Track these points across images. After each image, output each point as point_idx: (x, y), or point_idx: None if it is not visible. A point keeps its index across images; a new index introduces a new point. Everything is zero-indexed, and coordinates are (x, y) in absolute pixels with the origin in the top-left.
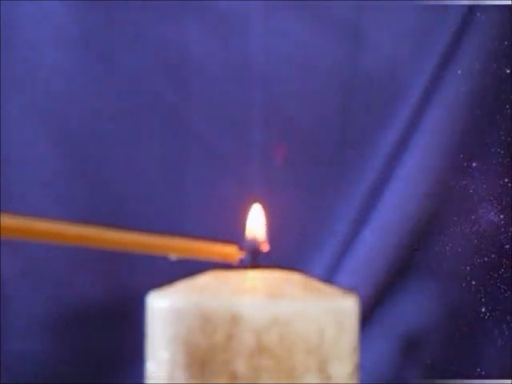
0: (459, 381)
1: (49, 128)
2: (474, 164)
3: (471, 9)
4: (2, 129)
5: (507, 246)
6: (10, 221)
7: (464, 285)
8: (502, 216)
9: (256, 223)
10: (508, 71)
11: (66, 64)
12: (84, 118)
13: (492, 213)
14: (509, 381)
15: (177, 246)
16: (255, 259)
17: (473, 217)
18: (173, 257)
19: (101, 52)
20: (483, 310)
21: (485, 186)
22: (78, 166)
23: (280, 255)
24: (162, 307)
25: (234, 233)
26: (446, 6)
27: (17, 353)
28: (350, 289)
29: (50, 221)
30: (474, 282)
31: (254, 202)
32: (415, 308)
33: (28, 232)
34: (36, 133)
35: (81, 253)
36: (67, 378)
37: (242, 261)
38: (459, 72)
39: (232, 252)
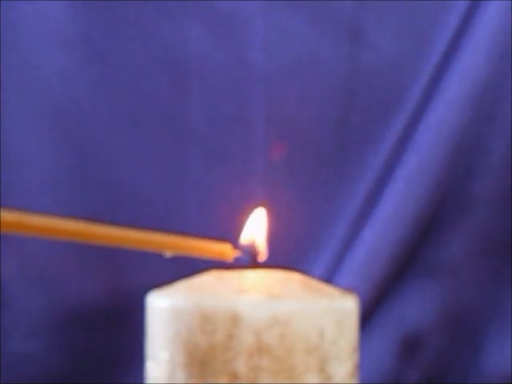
0: (459, 381)
1: (49, 128)
2: (474, 164)
3: (471, 8)
4: (2, 129)
5: (507, 246)
6: (6, 215)
7: (464, 285)
8: (502, 215)
9: (257, 229)
10: (508, 70)
11: (66, 64)
12: (84, 118)
13: (492, 212)
14: (509, 381)
15: (171, 243)
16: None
17: (473, 217)
18: (167, 254)
19: (101, 52)
20: (483, 309)
21: (485, 186)
22: (78, 165)
23: (280, 255)
24: (162, 307)
25: (234, 233)
26: (446, 6)
27: (17, 353)
28: (349, 289)
29: (43, 216)
30: (474, 282)
31: (259, 205)
32: (415, 308)
33: (22, 227)
34: (36, 133)
35: (81, 253)
36: (67, 378)
37: (236, 260)
38: (459, 71)
39: (226, 250)
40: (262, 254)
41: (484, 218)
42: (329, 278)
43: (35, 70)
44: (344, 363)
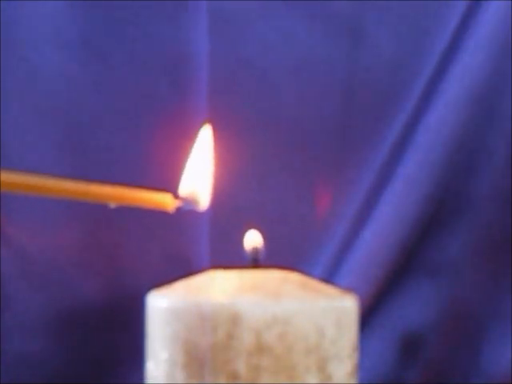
0: (459, 381)
1: (49, 128)
2: (473, 164)
3: (472, 8)
4: (2, 129)
5: (507, 246)
6: None
7: (464, 285)
8: (502, 216)
9: (199, 178)
10: (508, 70)
11: (65, 64)
12: (84, 118)
13: (492, 212)
14: (509, 381)
15: (112, 194)
16: (256, 260)
17: (473, 217)
18: (111, 205)
19: (100, 52)
20: (483, 309)
21: (485, 186)
22: (78, 165)
23: (280, 255)
24: (162, 307)
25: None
26: (446, 6)
27: (17, 353)
28: (349, 289)
29: None
30: (474, 282)
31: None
32: (415, 308)
33: None
34: (36, 133)
35: (81, 253)
36: (67, 378)
37: (178, 209)
38: (459, 71)
39: (167, 200)
40: (203, 203)
41: (484, 218)
42: (329, 278)
43: (35, 69)
44: (344, 363)
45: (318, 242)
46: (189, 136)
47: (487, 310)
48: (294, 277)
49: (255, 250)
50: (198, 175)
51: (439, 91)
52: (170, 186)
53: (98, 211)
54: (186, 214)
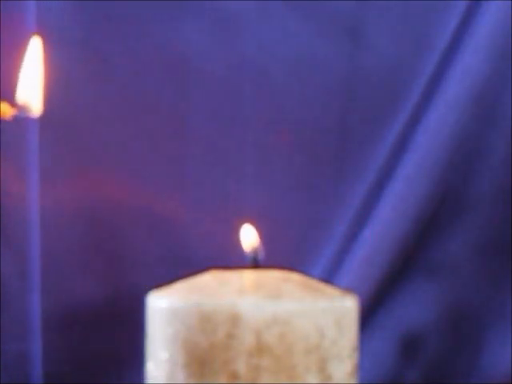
0: (459, 381)
1: (48, 128)
2: (473, 164)
3: (471, 8)
4: (2, 129)
5: (507, 246)
6: None
7: (464, 285)
8: (502, 215)
9: (30, 85)
10: (509, 70)
11: (66, 64)
12: (84, 118)
13: (492, 213)
14: (509, 381)
15: None
16: (256, 261)
17: (472, 217)
18: None
19: (101, 52)
20: (483, 309)
21: (485, 186)
22: (78, 165)
23: (280, 255)
24: (162, 307)
25: (237, 244)
26: (446, 6)
27: (17, 353)
28: (349, 289)
29: None
30: (473, 282)
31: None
32: (415, 308)
33: None
34: (36, 132)
35: (81, 253)
36: (67, 378)
37: (15, 117)
38: (459, 71)
39: (3, 109)
40: (36, 110)
41: (483, 218)
42: (329, 278)
43: None
44: (344, 363)
45: (317, 242)
46: (21, 46)
47: (487, 310)
48: (294, 277)
49: (255, 251)
50: (31, 82)
51: (439, 91)
52: (7, 95)
53: (98, 212)
54: (22, 120)
